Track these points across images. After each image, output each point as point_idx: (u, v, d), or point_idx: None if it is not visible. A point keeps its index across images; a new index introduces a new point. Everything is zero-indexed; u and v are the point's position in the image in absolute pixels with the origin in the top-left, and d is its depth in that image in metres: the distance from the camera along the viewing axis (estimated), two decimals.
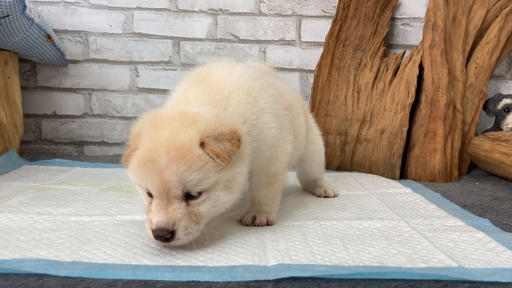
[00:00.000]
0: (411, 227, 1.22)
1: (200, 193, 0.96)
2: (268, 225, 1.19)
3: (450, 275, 0.90)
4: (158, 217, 0.94)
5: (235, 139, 0.98)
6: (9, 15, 1.75)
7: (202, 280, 0.87)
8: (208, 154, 0.95)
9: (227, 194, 1.00)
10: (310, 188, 1.62)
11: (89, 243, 1.04)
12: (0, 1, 1.74)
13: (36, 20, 1.96)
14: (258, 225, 1.18)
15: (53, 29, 2.23)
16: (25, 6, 1.83)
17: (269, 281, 0.87)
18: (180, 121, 0.97)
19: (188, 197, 0.96)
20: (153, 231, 0.94)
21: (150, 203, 0.98)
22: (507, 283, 0.88)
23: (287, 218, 1.28)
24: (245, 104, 1.11)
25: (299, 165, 1.60)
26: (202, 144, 0.95)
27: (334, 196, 1.56)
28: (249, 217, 1.20)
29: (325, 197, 1.55)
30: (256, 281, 0.87)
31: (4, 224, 1.17)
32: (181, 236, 0.95)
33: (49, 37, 2.07)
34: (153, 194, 0.96)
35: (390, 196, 1.58)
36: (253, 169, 1.15)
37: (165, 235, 0.93)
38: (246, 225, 1.19)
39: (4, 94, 1.99)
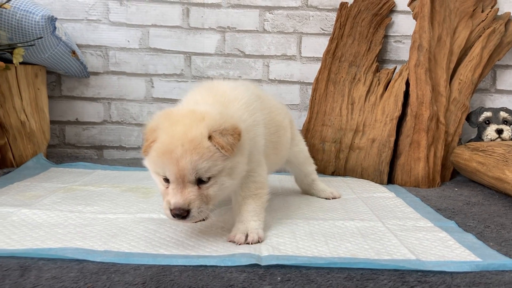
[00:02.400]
0: (386, 227, 1.43)
1: (209, 179, 1.15)
2: (259, 242, 1.24)
3: (407, 266, 1.11)
4: (175, 199, 1.13)
5: (236, 133, 1.17)
6: (42, 37, 1.99)
7: (208, 264, 1.09)
8: (215, 146, 1.14)
9: (229, 180, 1.19)
10: (313, 192, 1.84)
11: (116, 236, 1.27)
12: (35, 25, 1.98)
13: (63, 38, 2.20)
14: (251, 243, 1.23)
15: (76, 44, 2.47)
16: (55, 28, 2.06)
17: (260, 267, 1.09)
18: (191, 118, 1.17)
19: (199, 182, 1.14)
20: (171, 210, 1.13)
21: (167, 188, 1.17)
22: (451, 272, 1.09)
23: (281, 217, 1.50)
24: (245, 109, 1.32)
25: (290, 167, 1.83)
26: (210, 137, 1.14)
27: (340, 197, 1.81)
28: (242, 236, 1.24)
29: (333, 198, 1.79)
30: (251, 266, 1.09)
31: (44, 219, 1.40)
32: (195, 214, 1.13)
33: (73, 52, 2.31)
34: (170, 179, 1.14)
35: (375, 200, 1.79)
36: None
37: (182, 213, 1.12)
38: (239, 244, 1.23)
39: (34, 104, 2.23)
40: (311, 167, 1.85)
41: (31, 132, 2.20)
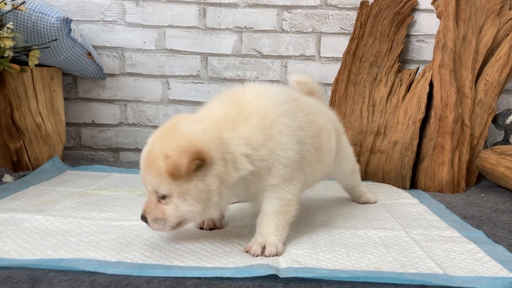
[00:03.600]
0: (410, 237, 1.37)
1: (164, 197, 1.13)
2: (277, 255, 1.19)
3: (434, 281, 1.05)
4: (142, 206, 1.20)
5: (195, 158, 1.07)
6: (57, 39, 1.97)
7: (224, 276, 1.04)
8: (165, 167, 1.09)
9: (184, 205, 1.12)
10: (353, 197, 1.82)
11: (130, 245, 1.23)
12: (50, 27, 1.96)
13: (79, 40, 2.18)
14: (268, 256, 1.18)
15: (92, 45, 2.44)
16: (70, 30, 2.04)
17: (279, 281, 1.04)
18: (166, 134, 1.15)
19: (160, 197, 1.14)
20: None
21: None
22: None
23: (300, 225, 1.44)
24: (256, 127, 1.19)
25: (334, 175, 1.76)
26: (167, 157, 1.08)
27: (375, 202, 1.78)
28: (259, 248, 1.19)
29: (367, 203, 1.77)
30: (269, 280, 1.04)
31: (57, 226, 1.37)
32: (150, 223, 1.17)
33: (89, 54, 2.28)
34: None
35: (397, 207, 1.72)
36: (262, 189, 1.23)
37: (142, 219, 1.19)
38: (256, 256, 1.18)
39: (50, 106, 2.21)
40: (357, 181, 1.81)
41: (46, 135, 2.18)
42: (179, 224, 1.17)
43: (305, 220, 1.52)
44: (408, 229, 1.44)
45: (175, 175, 1.08)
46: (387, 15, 2.36)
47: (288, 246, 1.26)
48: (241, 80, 2.50)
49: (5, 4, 1.83)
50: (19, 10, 1.91)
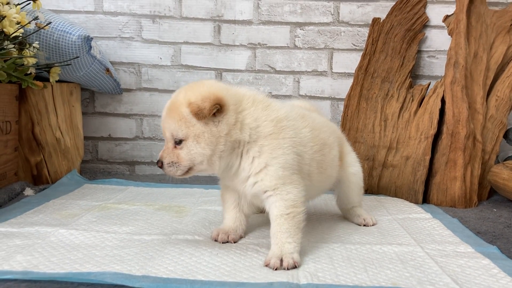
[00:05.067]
0: (425, 252, 1.40)
1: (180, 141, 1.28)
2: (295, 267, 1.22)
3: None
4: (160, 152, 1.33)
5: (215, 104, 1.24)
6: (79, 56, 2.03)
7: None
8: (190, 112, 1.25)
9: (197, 148, 1.27)
10: (349, 216, 1.73)
11: (153, 259, 1.27)
12: (72, 45, 2.02)
13: (98, 56, 2.24)
14: (286, 268, 1.21)
15: (110, 61, 2.51)
16: (90, 47, 2.10)
17: None
18: (190, 86, 1.32)
19: (176, 142, 1.28)
20: None
21: None
22: None
23: (316, 240, 1.48)
24: (269, 121, 1.33)
25: (338, 189, 1.72)
26: (190, 104, 1.25)
27: (373, 225, 1.67)
28: (277, 261, 1.23)
29: (364, 225, 1.67)
30: None
31: (81, 240, 1.41)
32: (165, 167, 1.31)
33: (107, 70, 2.34)
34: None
35: (411, 222, 1.75)
36: (267, 195, 1.32)
37: (158, 163, 1.32)
38: (275, 269, 1.22)
39: (69, 121, 2.27)
40: (358, 197, 1.73)
41: (65, 149, 2.23)
42: (190, 169, 1.31)
43: (320, 234, 1.55)
44: (423, 245, 1.47)
45: (199, 115, 1.24)
46: (399, 32, 2.41)
47: (306, 259, 1.29)
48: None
49: (29, 23, 1.89)
50: (43, 28, 1.97)
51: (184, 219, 1.69)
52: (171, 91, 2.55)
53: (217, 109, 1.25)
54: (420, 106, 2.27)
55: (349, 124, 2.33)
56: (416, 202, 2.10)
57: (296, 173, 1.34)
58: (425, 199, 2.13)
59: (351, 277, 1.19)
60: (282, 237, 1.28)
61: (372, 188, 2.25)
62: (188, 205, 1.89)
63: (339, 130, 1.76)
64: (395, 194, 2.19)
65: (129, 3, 2.52)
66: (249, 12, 2.53)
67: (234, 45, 2.54)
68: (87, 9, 2.52)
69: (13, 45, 1.80)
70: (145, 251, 1.34)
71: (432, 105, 2.20)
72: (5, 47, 1.74)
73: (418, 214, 1.86)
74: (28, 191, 1.99)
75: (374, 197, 2.16)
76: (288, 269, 1.21)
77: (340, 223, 1.73)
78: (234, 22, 2.53)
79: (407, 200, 2.12)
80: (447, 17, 2.37)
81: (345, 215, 1.77)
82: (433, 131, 2.14)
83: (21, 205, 1.79)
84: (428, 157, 2.12)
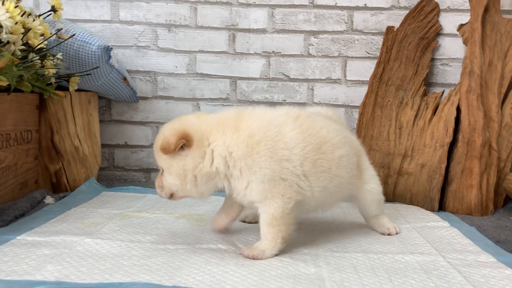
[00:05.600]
0: (447, 261, 1.41)
1: (163, 171, 1.42)
2: (253, 259, 1.39)
3: None
4: None
5: (180, 139, 1.33)
6: (99, 66, 2.06)
7: None
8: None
9: (170, 179, 1.40)
10: (372, 225, 1.73)
11: (180, 269, 1.29)
12: (92, 55, 2.05)
13: (116, 66, 2.26)
14: (254, 259, 1.39)
15: (126, 70, 2.53)
16: (110, 57, 2.13)
17: None
18: (173, 121, 1.43)
19: (161, 170, 1.43)
20: None
21: None
22: None
23: (338, 250, 1.50)
24: (242, 142, 1.38)
25: (356, 203, 1.71)
26: (163, 138, 1.36)
27: (397, 234, 1.69)
28: (250, 253, 1.42)
29: (388, 234, 1.68)
30: None
31: (107, 250, 1.44)
32: (156, 188, 1.47)
33: (124, 79, 2.37)
34: None
35: (430, 230, 1.76)
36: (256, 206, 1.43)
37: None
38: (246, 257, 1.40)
39: (87, 129, 2.30)
40: (378, 210, 1.71)
41: (84, 157, 2.26)
42: (172, 195, 1.45)
43: (342, 243, 1.57)
44: (444, 254, 1.48)
45: (165, 149, 1.34)
46: (412, 40, 2.43)
47: (331, 269, 1.31)
48: (269, 103, 2.57)
49: (51, 34, 1.93)
50: (63, 39, 2.01)
51: (205, 227, 1.71)
52: (187, 99, 2.59)
53: (184, 144, 1.35)
54: (434, 114, 2.29)
55: (364, 132, 2.35)
56: (432, 210, 2.12)
57: (281, 182, 1.38)
58: (441, 207, 2.15)
59: (376, 286, 1.20)
60: (263, 236, 1.43)
61: (388, 195, 2.27)
62: (207, 213, 1.91)
63: (357, 142, 1.71)
64: (411, 202, 2.21)
65: (145, 12, 2.55)
66: (264, 21, 2.56)
67: (249, 54, 2.57)
68: (104, 18, 2.55)
69: (38, 57, 1.83)
70: (172, 260, 1.36)
71: (447, 113, 2.22)
72: (31, 59, 1.77)
73: (435, 222, 1.88)
74: (49, 199, 2.02)
75: (390, 205, 2.17)
76: (254, 259, 1.38)
77: (360, 231, 1.74)
78: (249, 30, 2.56)
79: (423, 208, 2.14)
80: (461, 26, 2.38)
81: (368, 224, 1.77)
82: (448, 139, 2.15)
83: (43, 214, 1.81)
84: (444, 165, 2.13)
